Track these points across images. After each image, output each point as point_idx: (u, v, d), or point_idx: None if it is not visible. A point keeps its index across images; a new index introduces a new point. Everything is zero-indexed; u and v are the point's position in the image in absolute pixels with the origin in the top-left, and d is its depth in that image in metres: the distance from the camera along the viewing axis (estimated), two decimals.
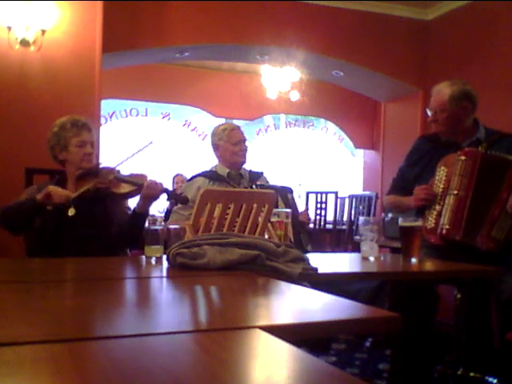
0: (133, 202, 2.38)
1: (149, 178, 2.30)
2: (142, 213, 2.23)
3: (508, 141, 2.49)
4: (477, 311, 2.51)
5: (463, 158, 2.37)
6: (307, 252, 2.54)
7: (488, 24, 4.47)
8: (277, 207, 2.14)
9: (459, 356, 2.42)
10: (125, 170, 2.42)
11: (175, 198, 2.40)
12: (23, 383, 0.65)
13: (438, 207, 2.38)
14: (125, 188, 2.30)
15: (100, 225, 2.30)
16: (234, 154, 2.85)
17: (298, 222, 2.79)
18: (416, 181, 2.52)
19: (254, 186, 2.82)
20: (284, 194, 2.80)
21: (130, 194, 2.32)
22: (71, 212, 2.26)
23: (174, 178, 5.91)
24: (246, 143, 2.93)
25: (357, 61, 4.95)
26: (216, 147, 2.91)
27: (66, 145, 2.35)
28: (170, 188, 5.79)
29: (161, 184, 2.25)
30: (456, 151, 2.42)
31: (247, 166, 2.97)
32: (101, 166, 2.44)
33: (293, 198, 2.92)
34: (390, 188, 2.72)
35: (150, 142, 2.36)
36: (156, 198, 2.27)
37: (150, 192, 2.23)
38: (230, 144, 2.85)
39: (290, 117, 7.33)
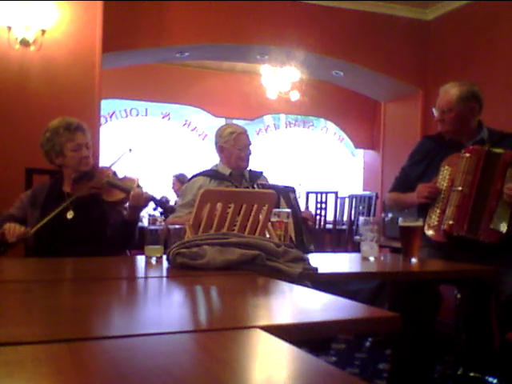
0: None
1: (139, 185, 2.31)
2: (131, 220, 2.27)
3: (510, 140, 2.49)
4: (477, 311, 2.51)
5: (468, 155, 2.38)
6: (310, 252, 2.53)
7: (488, 24, 4.47)
8: (278, 207, 2.14)
9: (459, 356, 2.42)
10: (120, 172, 2.42)
11: (162, 206, 2.41)
12: (23, 383, 0.65)
13: (441, 205, 2.39)
14: (115, 196, 2.31)
15: (97, 227, 2.30)
16: (239, 159, 2.86)
17: (301, 220, 2.79)
18: (419, 180, 2.52)
19: (255, 186, 2.81)
20: (286, 194, 2.79)
21: (121, 202, 2.33)
22: (70, 215, 2.27)
23: (174, 176, 5.91)
24: (250, 147, 2.93)
25: (357, 61, 4.95)
26: (221, 149, 2.91)
27: (61, 150, 2.33)
28: (171, 192, 5.81)
29: (146, 194, 2.25)
30: (459, 151, 2.43)
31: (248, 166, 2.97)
32: (98, 166, 2.44)
33: (295, 198, 2.92)
34: (392, 186, 2.72)
35: (129, 150, 2.39)
36: (143, 207, 2.31)
37: (135, 203, 2.25)
38: (236, 149, 2.85)
39: (290, 117, 7.33)
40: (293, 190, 2.95)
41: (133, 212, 2.27)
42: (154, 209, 2.36)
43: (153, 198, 2.30)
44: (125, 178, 2.38)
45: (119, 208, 2.39)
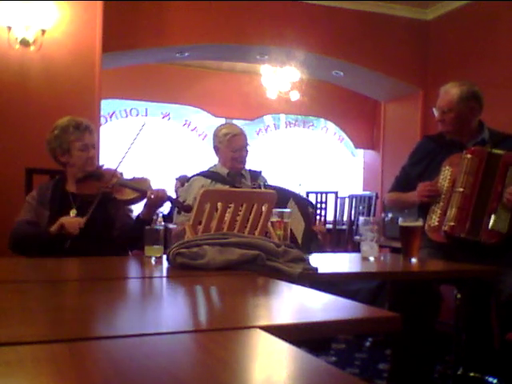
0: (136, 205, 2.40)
1: (151, 186, 2.32)
2: (145, 220, 2.25)
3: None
4: (477, 311, 2.51)
5: (469, 156, 2.39)
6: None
7: (488, 24, 4.47)
8: (281, 207, 2.13)
9: (459, 356, 2.41)
10: (127, 173, 2.42)
11: (179, 206, 2.41)
12: (23, 383, 0.65)
13: (442, 205, 2.39)
14: (128, 194, 2.31)
15: (100, 226, 2.30)
16: (233, 160, 2.84)
17: (312, 231, 2.77)
18: (419, 179, 2.53)
19: (262, 187, 2.78)
20: (305, 206, 2.76)
21: (133, 201, 2.33)
22: (72, 213, 2.27)
23: (176, 179, 5.89)
24: (248, 148, 2.91)
25: (357, 61, 4.95)
26: (216, 149, 2.91)
27: (68, 148, 2.34)
28: (173, 195, 5.79)
29: (164, 192, 2.27)
30: (460, 151, 2.43)
31: (246, 166, 2.96)
32: (103, 167, 2.44)
33: (312, 213, 2.91)
34: (392, 186, 2.72)
35: (143, 124, 2.39)
36: (160, 206, 2.31)
37: (153, 202, 2.26)
38: (229, 150, 2.83)
39: (290, 117, 7.33)
40: (312, 205, 2.96)
41: (149, 211, 2.26)
42: (171, 208, 2.36)
43: (169, 198, 2.31)
44: (134, 179, 2.38)
45: (130, 207, 2.39)
